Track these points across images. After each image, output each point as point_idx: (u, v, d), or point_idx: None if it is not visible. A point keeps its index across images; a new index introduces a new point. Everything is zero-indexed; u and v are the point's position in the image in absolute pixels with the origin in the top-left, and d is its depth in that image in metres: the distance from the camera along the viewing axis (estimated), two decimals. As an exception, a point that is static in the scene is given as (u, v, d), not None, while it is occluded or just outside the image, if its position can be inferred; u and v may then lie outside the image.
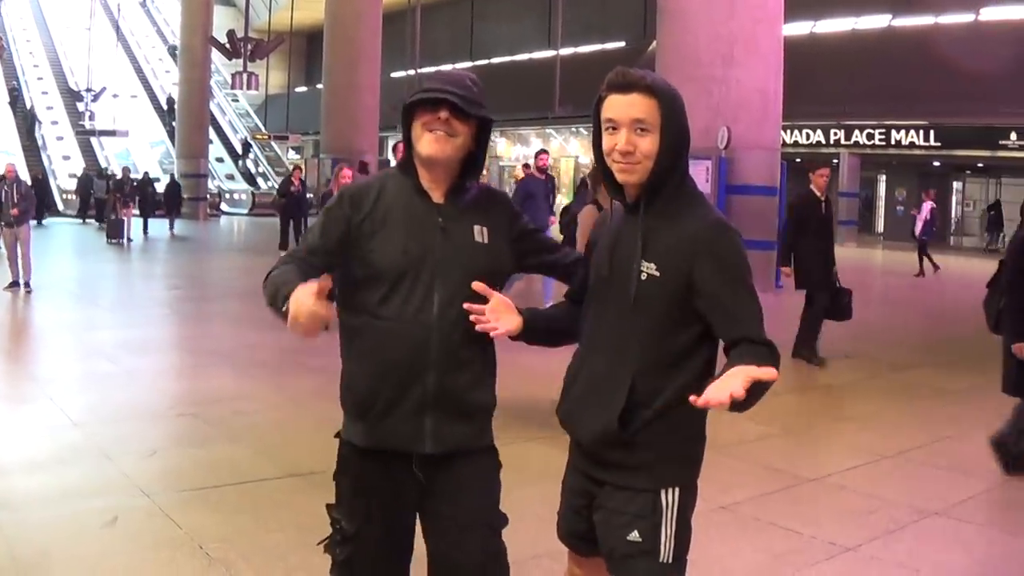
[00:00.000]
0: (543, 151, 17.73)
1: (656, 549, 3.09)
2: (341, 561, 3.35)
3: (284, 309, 2.93)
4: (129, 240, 30.08)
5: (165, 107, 56.84)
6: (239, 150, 57.93)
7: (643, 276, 3.06)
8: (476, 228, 3.27)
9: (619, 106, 3.06)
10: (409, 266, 3.16)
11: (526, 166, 20.94)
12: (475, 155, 3.30)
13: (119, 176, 35.39)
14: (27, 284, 17.05)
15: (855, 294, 12.10)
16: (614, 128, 3.07)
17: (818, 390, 10.65)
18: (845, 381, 11.38)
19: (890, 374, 11.56)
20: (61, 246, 29.50)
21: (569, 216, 12.69)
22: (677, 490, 3.13)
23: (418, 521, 3.41)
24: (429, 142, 3.16)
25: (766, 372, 2.73)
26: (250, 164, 56.70)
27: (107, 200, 36.62)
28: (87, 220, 40.57)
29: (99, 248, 28.81)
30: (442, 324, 3.17)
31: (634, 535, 3.09)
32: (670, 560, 3.11)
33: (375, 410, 3.23)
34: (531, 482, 6.03)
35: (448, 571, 3.33)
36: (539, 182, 16.19)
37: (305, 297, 2.87)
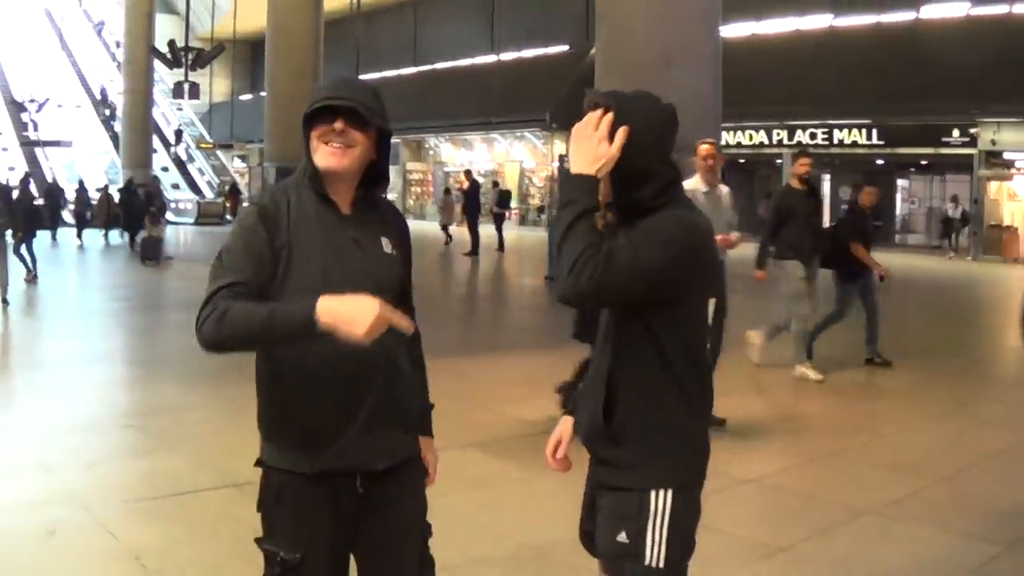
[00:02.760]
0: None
1: (640, 552, 3.07)
2: None
3: (316, 319, 2.79)
4: (167, 259, 26.62)
5: (99, 97, 56.56)
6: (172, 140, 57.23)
7: None
8: (383, 240, 3.19)
9: None
10: (331, 285, 2.93)
11: (467, 172, 20.93)
12: (377, 165, 3.20)
13: (138, 189, 31.75)
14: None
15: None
16: None
17: (755, 391, 10.75)
18: (783, 381, 11.45)
19: (828, 372, 11.61)
20: (90, 270, 27.02)
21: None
22: (669, 492, 3.08)
23: None
24: (325, 155, 3.04)
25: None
26: (194, 172, 56.28)
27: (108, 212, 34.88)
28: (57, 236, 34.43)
29: (140, 271, 24.56)
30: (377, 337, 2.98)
31: (622, 536, 3.10)
32: (659, 565, 3.07)
33: (323, 434, 3.06)
34: (464, 489, 6.04)
35: None
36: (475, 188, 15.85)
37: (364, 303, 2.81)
